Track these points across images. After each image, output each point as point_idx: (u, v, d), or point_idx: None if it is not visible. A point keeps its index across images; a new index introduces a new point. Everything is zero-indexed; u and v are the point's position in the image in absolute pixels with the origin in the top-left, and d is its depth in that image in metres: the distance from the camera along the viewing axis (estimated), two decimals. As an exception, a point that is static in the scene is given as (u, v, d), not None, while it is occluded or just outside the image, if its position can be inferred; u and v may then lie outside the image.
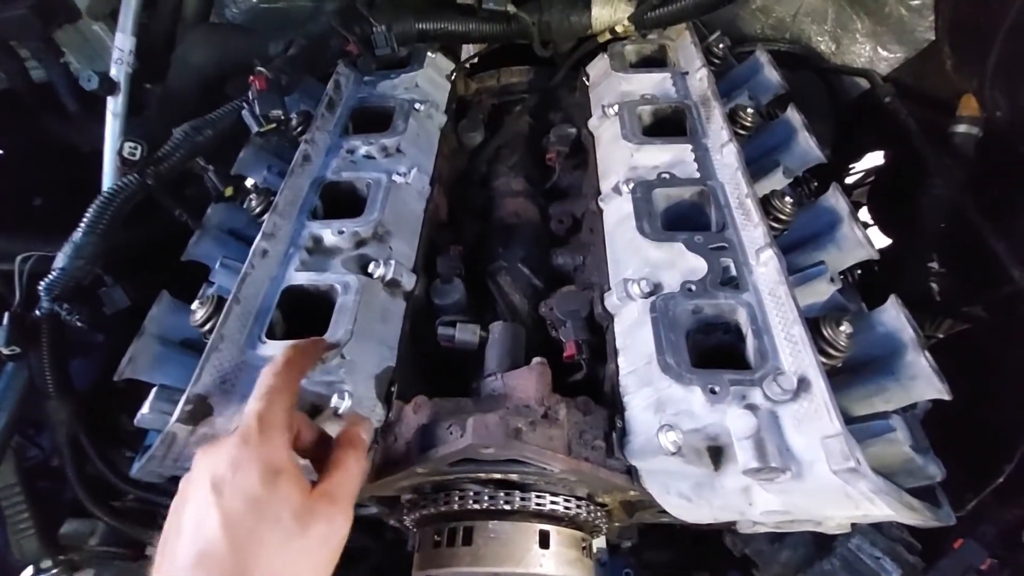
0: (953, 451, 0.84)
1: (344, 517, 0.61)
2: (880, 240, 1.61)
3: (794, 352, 0.74)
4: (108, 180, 1.15)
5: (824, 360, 0.75)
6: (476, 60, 1.57)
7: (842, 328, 0.75)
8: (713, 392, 0.72)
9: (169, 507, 0.61)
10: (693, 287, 0.84)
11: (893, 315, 0.80)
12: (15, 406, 0.97)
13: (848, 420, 0.78)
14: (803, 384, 0.71)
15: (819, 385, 0.70)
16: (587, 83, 1.35)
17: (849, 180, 1.78)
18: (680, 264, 0.89)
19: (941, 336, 1.39)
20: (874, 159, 1.77)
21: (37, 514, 1.09)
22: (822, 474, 0.66)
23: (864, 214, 1.68)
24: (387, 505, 0.95)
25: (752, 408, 0.71)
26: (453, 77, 1.43)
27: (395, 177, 1.08)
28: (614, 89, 1.24)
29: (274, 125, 1.04)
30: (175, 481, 1.01)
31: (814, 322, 0.78)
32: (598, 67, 1.34)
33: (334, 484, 0.62)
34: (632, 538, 1.17)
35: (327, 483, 0.62)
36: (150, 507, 1.08)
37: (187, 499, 0.59)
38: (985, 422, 1.07)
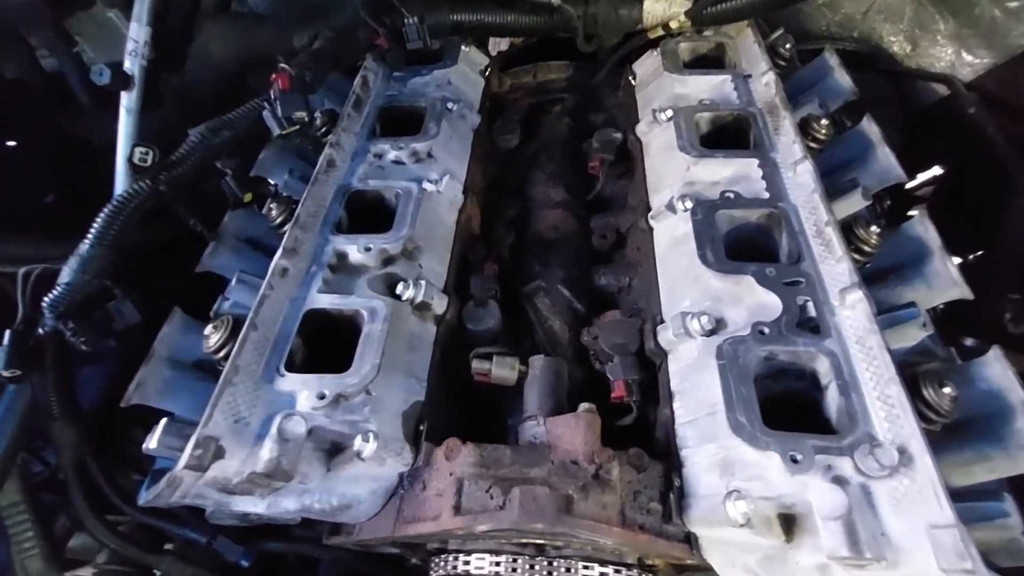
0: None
1: None
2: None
3: (890, 417, 0.64)
4: (120, 184, 1.07)
5: (924, 426, 0.65)
6: (510, 53, 1.46)
7: (946, 390, 0.65)
8: (794, 461, 0.62)
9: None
10: (766, 329, 0.74)
11: (998, 371, 0.70)
12: (16, 429, 0.92)
13: (945, 492, 0.68)
14: (904, 458, 0.61)
15: (924, 461, 0.60)
16: (633, 83, 1.24)
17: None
18: (748, 299, 0.79)
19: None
20: (933, 170, 1.63)
21: (42, 533, 1.04)
22: (924, 565, 0.57)
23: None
24: (408, 548, 0.88)
25: (841, 482, 0.61)
26: (487, 73, 1.33)
27: (426, 185, 0.99)
28: (666, 91, 1.12)
29: (297, 127, 0.95)
30: (184, 507, 0.96)
31: (911, 378, 0.68)
32: (647, 65, 1.22)
33: None
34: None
35: None
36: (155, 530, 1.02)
37: None
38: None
